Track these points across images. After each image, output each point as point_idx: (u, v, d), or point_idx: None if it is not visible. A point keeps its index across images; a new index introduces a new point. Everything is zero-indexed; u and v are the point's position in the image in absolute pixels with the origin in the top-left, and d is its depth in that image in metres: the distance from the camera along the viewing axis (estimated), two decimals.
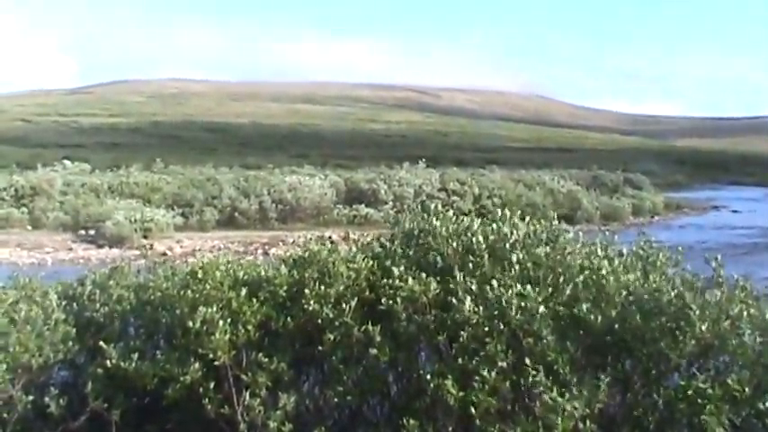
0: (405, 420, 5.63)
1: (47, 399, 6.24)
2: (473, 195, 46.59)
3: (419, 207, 7.44)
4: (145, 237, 37.21)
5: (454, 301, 5.84)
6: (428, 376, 5.79)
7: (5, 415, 6.19)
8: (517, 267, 6.08)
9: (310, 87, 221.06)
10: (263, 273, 6.71)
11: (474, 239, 6.36)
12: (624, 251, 6.72)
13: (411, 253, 6.84)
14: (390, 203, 44.32)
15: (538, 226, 6.75)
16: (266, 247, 35.85)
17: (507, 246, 6.32)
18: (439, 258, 6.51)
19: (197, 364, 6.00)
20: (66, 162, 59.09)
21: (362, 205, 44.47)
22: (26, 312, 6.34)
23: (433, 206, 7.10)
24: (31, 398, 6.20)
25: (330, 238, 7.92)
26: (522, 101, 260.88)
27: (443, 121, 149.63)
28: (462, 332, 5.74)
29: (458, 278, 6.00)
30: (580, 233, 6.93)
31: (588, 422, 5.19)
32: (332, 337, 6.13)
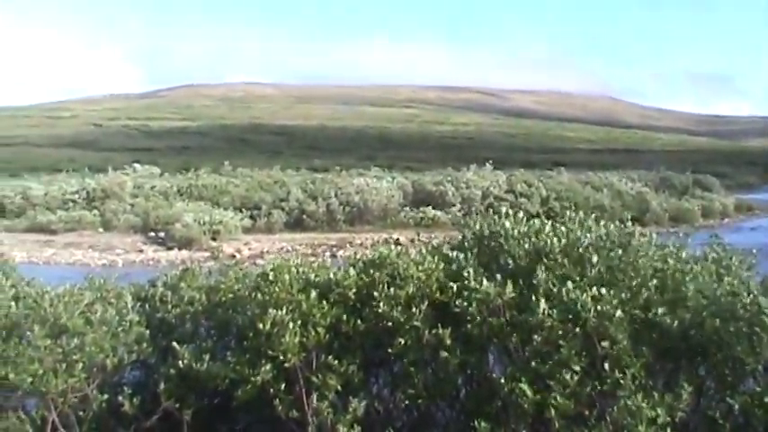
0: (476, 423, 5.58)
1: (120, 398, 6.30)
2: (540, 197, 46.25)
3: (487, 209, 7.38)
4: (213, 239, 37.54)
5: (529, 303, 5.77)
6: (501, 379, 5.73)
7: (81, 413, 6.27)
8: (593, 270, 6.00)
9: (378, 90, 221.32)
10: (332, 275, 6.69)
11: (548, 241, 6.28)
12: (697, 254, 6.61)
13: (481, 255, 6.79)
14: (458, 206, 44.16)
15: (612, 228, 6.65)
16: (334, 250, 35.93)
17: (581, 248, 6.24)
18: (510, 260, 6.43)
19: (268, 366, 6.00)
20: (137, 165, 59.88)
21: (430, 207, 44.33)
22: (101, 313, 6.40)
23: (504, 209, 7.05)
24: (105, 397, 6.27)
25: (397, 240, 7.90)
26: (590, 102, 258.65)
27: (510, 122, 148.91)
28: (536, 335, 5.66)
29: (534, 280, 5.93)
30: (653, 235, 6.82)
31: (668, 429, 5.11)
32: (402, 340, 6.11)
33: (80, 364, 6.04)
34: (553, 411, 5.37)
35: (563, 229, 6.52)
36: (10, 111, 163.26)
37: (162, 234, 38.78)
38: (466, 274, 6.12)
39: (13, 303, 6.26)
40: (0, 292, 6.54)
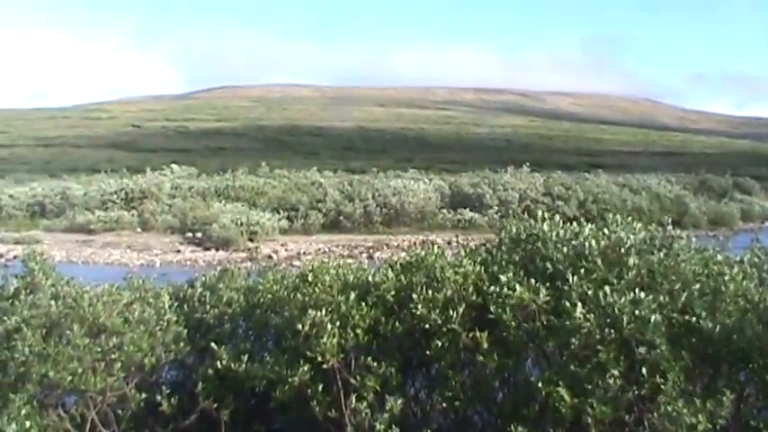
0: (512, 427, 5.55)
1: (158, 397, 6.36)
2: (578, 200, 46.08)
3: (524, 212, 7.35)
4: (250, 240, 37.72)
5: (566, 306, 5.72)
6: (539, 383, 5.68)
7: (120, 412, 6.33)
8: (631, 273, 5.93)
9: (414, 92, 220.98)
10: (371, 277, 6.67)
11: (586, 244, 6.21)
12: (739, 258, 6.51)
13: (518, 258, 6.75)
14: (494, 208, 44.05)
15: (652, 231, 6.57)
16: (371, 251, 35.98)
17: (622, 251, 6.16)
18: (548, 264, 6.37)
19: (306, 367, 6.02)
20: (174, 166, 60.23)
21: (467, 209, 44.27)
22: (140, 313, 6.44)
23: (540, 212, 7.00)
24: (143, 396, 6.32)
25: (434, 242, 7.88)
26: (628, 104, 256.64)
27: (548, 124, 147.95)
28: (573, 339, 5.61)
29: (570, 284, 5.87)
30: (693, 239, 6.74)
31: None
32: (440, 343, 6.08)
33: (119, 363, 6.09)
34: (591, 416, 5.32)
35: (605, 231, 6.44)
36: (50, 112, 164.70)
37: (199, 235, 39.03)
38: (501, 279, 6.08)
39: (53, 302, 6.30)
40: (40, 292, 6.59)
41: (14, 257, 34.30)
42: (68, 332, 5.97)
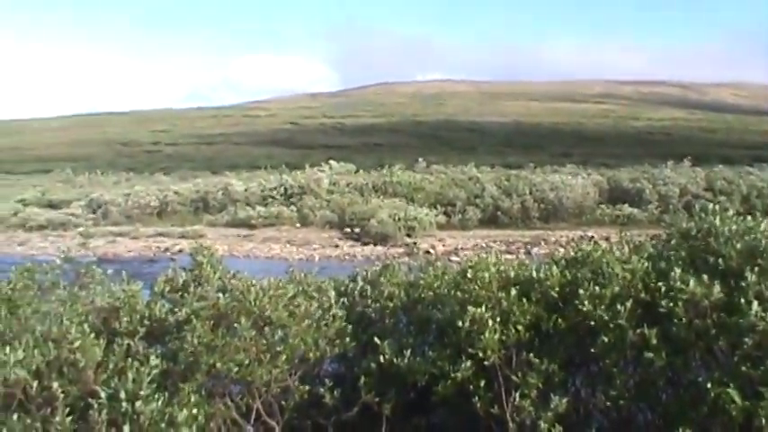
0: (678, 429, 5.41)
1: (321, 390, 6.45)
2: (741, 195, 44.54)
3: (685, 207, 7.11)
4: (408, 235, 37.87)
5: (740, 304, 5.50)
6: (708, 384, 5.48)
7: (283, 403, 6.45)
8: None
9: (571, 85, 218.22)
10: (534, 273, 6.60)
11: (763, 241, 5.97)
12: None
13: (686, 254, 6.55)
14: (654, 203, 43.08)
15: None
16: (528, 247, 35.65)
17: None
18: (720, 260, 6.15)
19: (467, 363, 6.00)
20: (332, 162, 61.05)
21: (626, 205, 43.38)
22: (304, 306, 6.54)
23: (711, 205, 6.77)
24: (307, 388, 6.43)
25: (592, 237, 7.76)
26: None
27: (709, 117, 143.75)
28: (746, 338, 5.40)
29: (744, 282, 5.64)
30: None
31: None
32: (606, 339, 5.97)
33: (283, 356, 6.20)
34: (764, 420, 5.11)
35: None
36: (212, 111, 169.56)
37: (357, 230, 39.40)
38: (672, 274, 5.91)
39: (220, 295, 6.47)
40: (208, 284, 6.78)
41: (179, 251, 35.42)
42: (235, 324, 6.11)
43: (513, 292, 6.24)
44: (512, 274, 6.61)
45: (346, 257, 34.24)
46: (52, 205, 53.66)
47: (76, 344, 5.40)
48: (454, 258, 27.08)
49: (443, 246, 36.41)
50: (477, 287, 6.26)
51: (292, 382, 6.39)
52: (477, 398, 6.04)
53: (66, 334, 5.47)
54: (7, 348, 5.19)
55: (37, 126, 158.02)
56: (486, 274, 6.37)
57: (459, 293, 6.41)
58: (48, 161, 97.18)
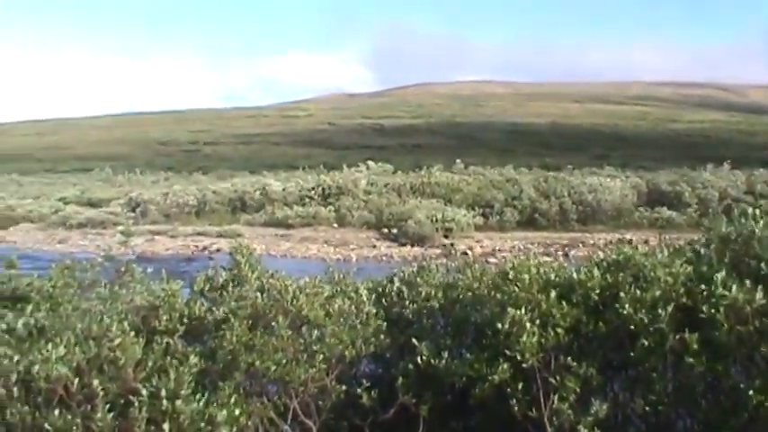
0: None
1: (358, 390, 6.46)
2: None
3: (724, 211, 7.03)
4: (445, 236, 37.84)
5: None
6: (749, 391, 5.42)
7: (320, 402, 6.45)
8: None
9: (609, 87, 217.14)
10: (575, 275, 6.57)
11: None
12: None
13: (728, 259, 6.48)
14: (693, 207, 42.75)
15: None
16: (566, 249, 35.49)
17: None
18: (762, 264, 6.07)
19: (505, 365, 5.97)
20: (370, 163, 61.17)
21: (664, 208, 43.08)
22: (340, 306, 6.56)
23: (750, 209, 6.70)
24: (343, 388, 6.43)
25: (630, 240, 7.71)
26: None
27: (750, 119, 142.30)
28: None
29: None
30: None
31: None
32: (645, 343, 5.92)
33: (320, 356, 6.21)
34: None
35: None
36: (250, 111, 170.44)
37: (394, 230, 39.40)
38: (714, 279, 5.85)
39: (258, 294, 6.49)
40: (246, 284, 6.81)
41: (217, 250, 35.64)
42: (273, 323, 6.14)
43: (553, 294, 6.20)
44: (552, 276, 6.58)
45: (383, 258, 34.28)
46: (92, 204, 54.27)
47: (117, 341, 5.45)
48: (491, 260, 27.00)
49: (481, 247, 36.37)
50: (517, 289, 6.24)
51: (329, 382, 6.38)
52: (514, 401, 6.00)
53: (107, 332, 5.52)
54: (49, 345, 5.26)
55: (77, 125, 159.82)
56: (527, 276, 6.35)
57: (498, 295, 6.39)
58: (88, 160, 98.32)
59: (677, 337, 5.78)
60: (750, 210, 6.75)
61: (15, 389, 5.15)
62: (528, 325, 5.92)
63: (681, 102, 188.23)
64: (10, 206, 51.31)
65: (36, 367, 5.15)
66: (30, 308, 6.40)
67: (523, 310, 5.99)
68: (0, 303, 7.49)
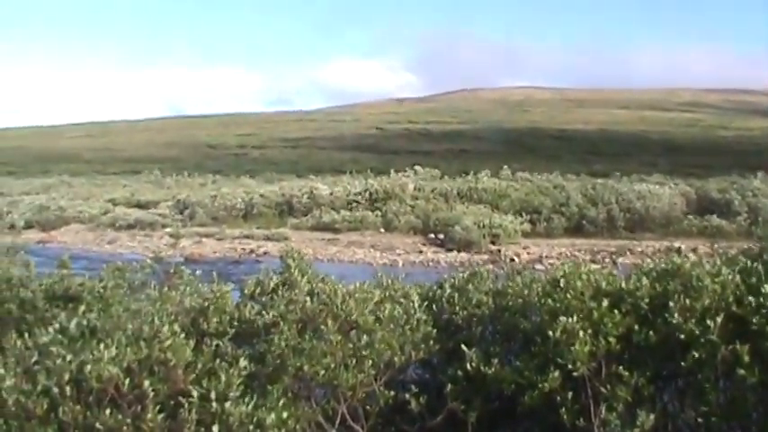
0: None
1: (407, 396, 6.44)
2: None
3: None
4: (492, 242, 37.75)
5: None
6: None
7: (368, 407, 6.44)
8: None
9: (659, 93, 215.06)
10: (623, 284, 6.51)
11: None
12: None
13: None
14: (744, 215, 42.24)
15: None
16: (614, 256, 35.20)
17: None
18: None
19: (556, 373, 5.93)
20: (417, 168, 61.14)
21: (713, 216, 42.59)
22: (390, 311, 6.55)
23: None
24: (392, 394, 6.41)
25: (679, 248, 7.63)
26: None
27: None
28: None
29: None
30: None
31: None
32: (696, 354, 5.85)
33: (369, 361, 6.20)
34: None
35: None
36: (297, 115, 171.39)
37: (441, 236, 39.39)
38: (763, 290, 5.78)
39: (308, 298, 6.50)
40: (296, 288, 6.82)
41: (264, 253, 35.87)
42: (322, 328, 6.14)
43: (605, 302, 6.14)
44: (603, 284, 6.52)
45: (430, 263, 34.31)
46: (140, 205, 54.88)
47: (167, 343, 5.48)
48: (538, 267, 26.84)
49: (528, 254, 36.24)
50: (569, 296, 6.19)
51: (377, 387, 6.37)
52: (563, 409, 5.96)
53: (158, 333, 5.56)
54: (101, 345, 5.30)
55: (127, 128, 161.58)
56: (579, 284, 6.30)
57: (549, 302, 6.34)
58: (137, 162, 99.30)
59: (729, 348, 5.70)
60: None
61: (68, 388, 5.20)
62: (580, 333, 5.87)
63: (731, 109, 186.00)
64: (61, 207, 51.92)
65: (88, 367, 5.20)
66: (82, 308, 6.47)
67: (575, 318, 5.94)
68: (53, 303, 7.57)
